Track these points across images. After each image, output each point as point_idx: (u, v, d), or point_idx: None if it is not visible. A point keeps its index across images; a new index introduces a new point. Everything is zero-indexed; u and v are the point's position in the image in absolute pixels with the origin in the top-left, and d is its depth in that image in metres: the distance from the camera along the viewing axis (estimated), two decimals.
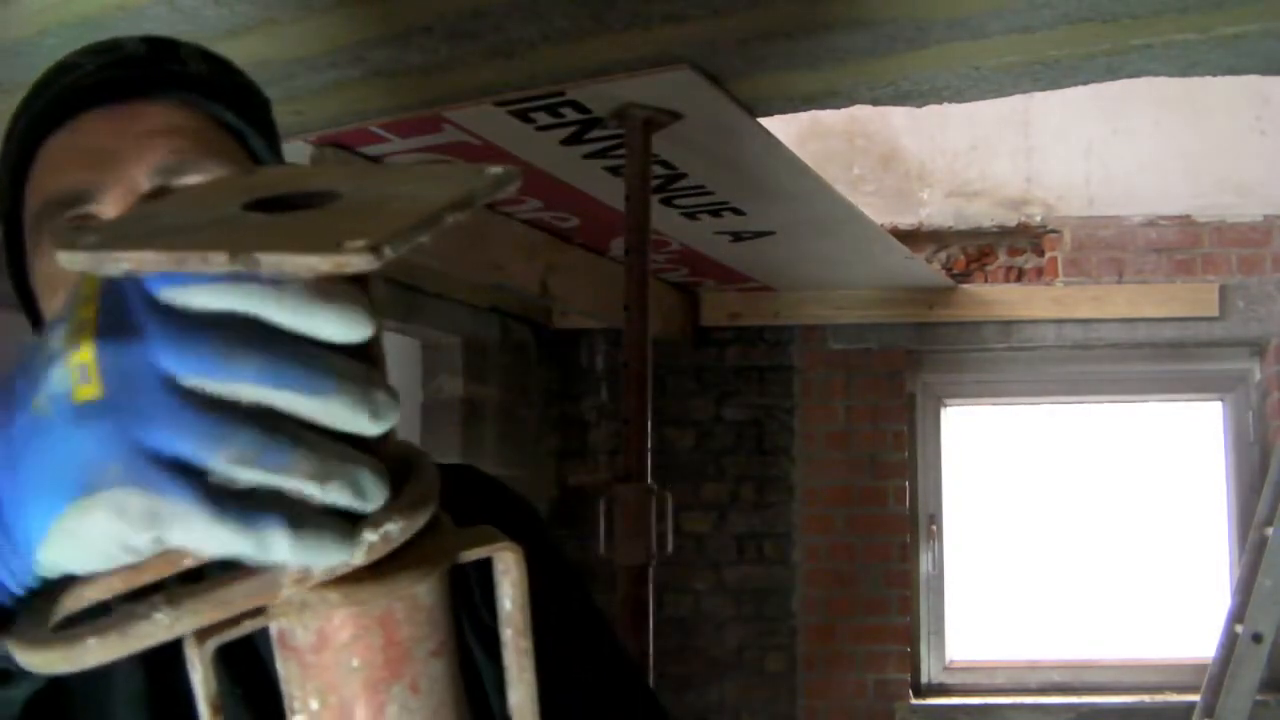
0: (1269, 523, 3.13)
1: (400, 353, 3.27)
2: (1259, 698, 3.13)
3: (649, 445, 2.10)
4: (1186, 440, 3.80)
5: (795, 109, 1.91)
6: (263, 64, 1.54)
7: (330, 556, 0.39)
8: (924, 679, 3.73)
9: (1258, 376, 3.67)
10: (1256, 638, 3.05)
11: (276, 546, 0.38)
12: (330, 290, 0.37)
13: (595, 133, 2.07)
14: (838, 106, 1.89)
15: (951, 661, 3.76)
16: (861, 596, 3.66)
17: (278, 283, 0.37)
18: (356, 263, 0.35)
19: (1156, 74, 1.65)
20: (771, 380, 3.75)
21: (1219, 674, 3.12)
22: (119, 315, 0.39)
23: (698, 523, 3.69)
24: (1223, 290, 3.57)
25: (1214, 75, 1.65)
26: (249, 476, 0.37)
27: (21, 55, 1.46)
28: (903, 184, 3.71)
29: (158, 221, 0.40)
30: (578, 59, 1.63)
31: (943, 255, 3.75)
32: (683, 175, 2.38)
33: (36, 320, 0.85)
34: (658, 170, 2.26)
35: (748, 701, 3.67)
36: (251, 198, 0.40)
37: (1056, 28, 1.50)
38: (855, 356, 3.72)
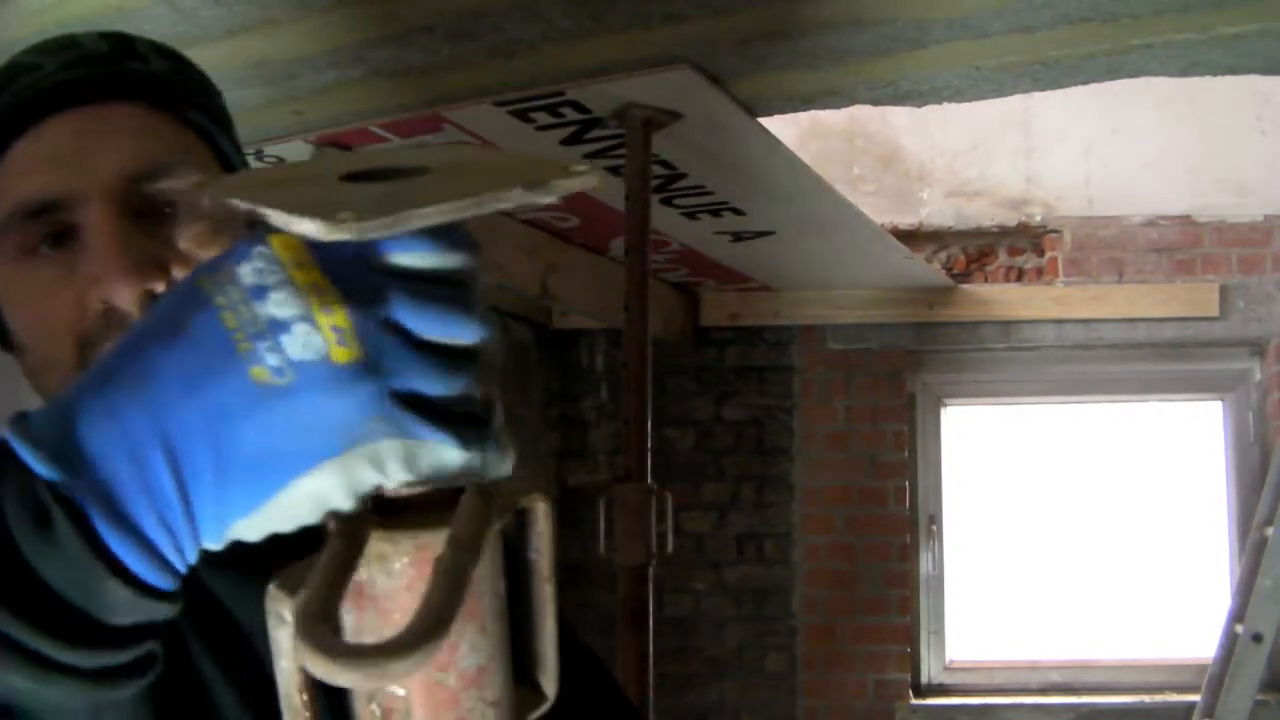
0: (1269, 523, 3.13)
1: None
2: (1259, 698, 3.13)
3: (649, 445, 2.10)
4: (1186, 440, 3.80)
5: (795, 109, 1.91)
6: (263, 64, 1.54)
7: (504, 468, 0.46)
8: (924, 679, 3.73)
9: (1258, 376, 3.67)
10: (1256, 638, 3.05)
11: (490, 461, 0.44)
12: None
13: (595, 133, 2.07)
14: (838, 106, 1.89)
15: (951, 661, 3.76)
16: (861, 596, 3.66)
17: (467, 245, 0.46)
18: (308, 228, 0.40)
19: (1156, 74, 1.65)
20: (771, 380, 3.75)
21: (1219, 674, 3.12)
22: (353, 279, 0.43)
23: (698, 523, 3.69)
24: (1223, 290, 3.57)
25: (1214, 75, 1.65)
26: (466, 407, 0.44)
27: None
28: (903, 184, 3.71)
29: (257, 177, 0.46)
30: (578, 59, 1.63)
31: (943, 255, 3.75)
32: (683, 175, 2.38)
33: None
34: (658, 170, 2.26)
35: (748, 701, 3.66)
36: (345, 170, 0.45)
37: (1056, 28, 1.50)
38: (855, 356, 3.72)
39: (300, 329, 0.41)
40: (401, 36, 1.51)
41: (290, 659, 0.44)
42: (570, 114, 1.94)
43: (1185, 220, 3.61)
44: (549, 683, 0.54)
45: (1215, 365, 3.69)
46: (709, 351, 3.78)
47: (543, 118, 1.95)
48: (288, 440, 0.41)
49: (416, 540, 0.46)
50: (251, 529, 0.43)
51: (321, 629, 0.39)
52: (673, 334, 3.60)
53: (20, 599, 0.44)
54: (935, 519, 3.79)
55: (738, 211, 2.68)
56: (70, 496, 0.43)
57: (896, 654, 3.64)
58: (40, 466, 0.44)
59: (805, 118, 3.36)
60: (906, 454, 3.72)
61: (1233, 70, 1.63)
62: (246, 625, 0.78)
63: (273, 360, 0.41)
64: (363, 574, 0.45)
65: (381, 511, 0.46)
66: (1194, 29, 1.48)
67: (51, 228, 0.76)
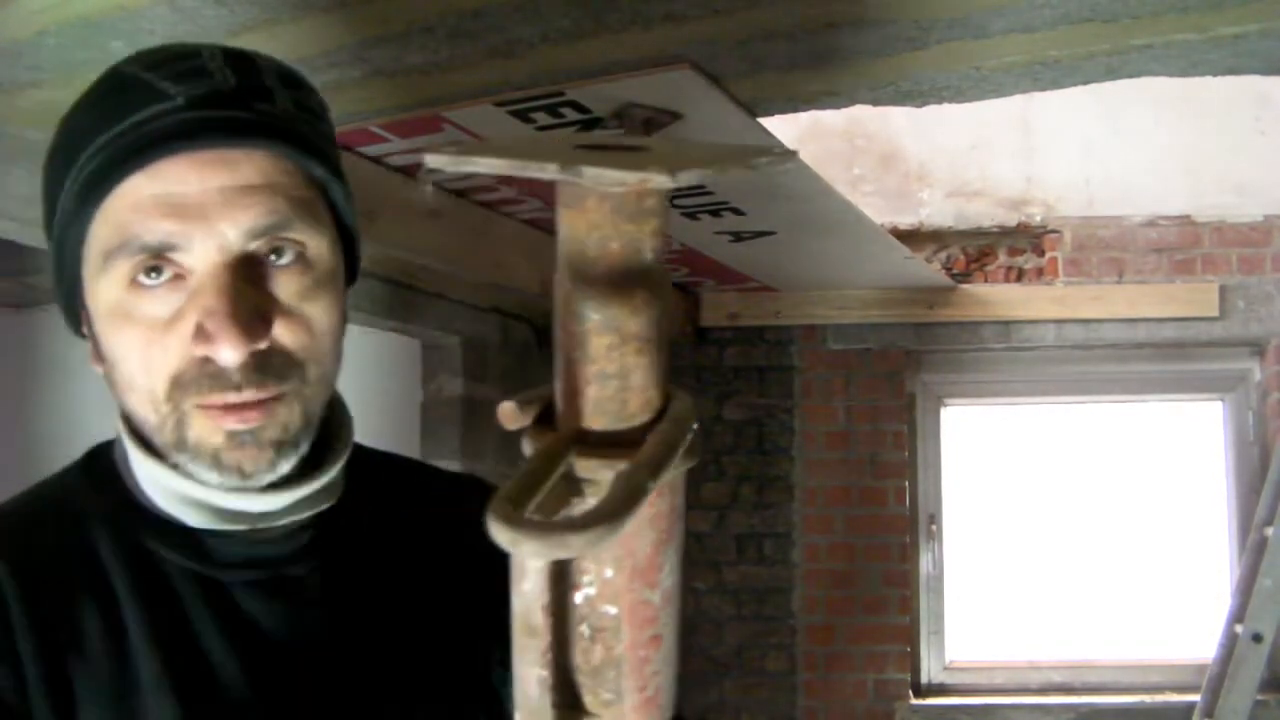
0: (1269, 523, 3.13)
1: (399, 353, 3.27)
2: (1259, 698, 3.13)
3: None
4: (1186, 440, 3.80)
5: (795, 109, 1.90)
6: None
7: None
8: (924, 679, 3.73)
9: (1258, 376, 3.67)
10: (1256, 638, 3.05)
11: None
12: None
13: (595, 132, 2.07)
14: (838, 106, 1.89)
15: (951, 661, 3.76)
16: (861, 596, 3.66)
17: None
18: (658, 180, 0.46)
19: (1156, 74, 1.65)
20: (771, 380, 3.75)
21: (1219, 674, 3.12)
22: None
23: (698, 522, 3.69)
24: (1223, 290, 3.57)
25: (1214, 75, 1.65)
26: None
27: (21, 55, 1.46)
28: (903, 184, 3.71)
29: (500, 145, 0.52)
30: (578, 59, 1.63)
31: (943, 255, 3.75)
32: None
33: (78, 329, 0.86)
34: None
35: (748, 701, 3.67)
36: (578, 143, 0.51)
37: (1056, 28, 1.50)
38: (855, 356, 3.72)
39: None
40: (401, 36, 1.51)
41: (531, 581, 0.50)
42: (570, 114, 1.94)
43: (1185, 220, 3.61)
44: None
45: (1215, 365, 3.69)
46: (709, 351, 3.78)
47: (543, 118, 1.95)
48: None
49: (609, 464, 0.50)
50: None
51: (513, 511, 0.44)
52: (673, 334, 3.60)
53: None
54: (935, 519, 3.79)
55: (738, 211, 2.68)
56: None
57: (896, 654, 3.64)
58: None
59: (805, 118, 3.36)
60: (906, 454, 3.72)
61: (1233, 70, 1.63)
62: (275, 637, 0.83)
63: None
64: (559, 491, 0.50)
65: (580, 442, 0.51)
66: (1194, 29, 1.48)
67: (160, 263, 0.76)
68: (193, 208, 0.75)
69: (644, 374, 0.53)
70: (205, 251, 0.76)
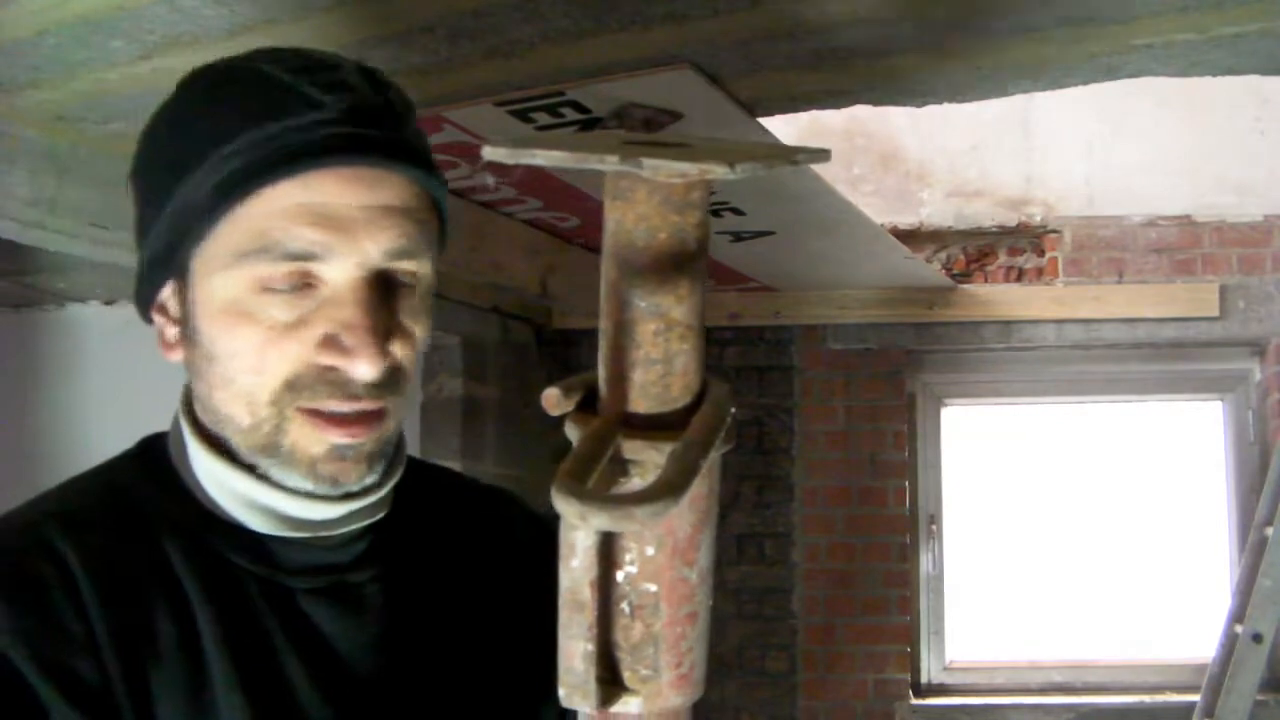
0: (1269, 523, 3.13)
1: None
2: (1259, 698, 3.13)
3: None
4: (1186, 440, 3.80)
5: (795, 109, 1.90)
6: None
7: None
8: (924, 679, 3.73)
9: (1258, 376, 3.67)
10: (1256, 638, 3.05)
11: None
12: None
13: (634, 134, 2.06)
14: (838, 106, 1.89)
15: (951, 661, 3.76)
16: (861, 596, 3.66)
17: None
18: (718, 171, 0.48)
19: (1156, 74, 1.65)
20: (771, 380, 3.75)
21: (1219, 674, 3.12)
22: None
23: None
24: (1223, 290, 3.57)
25: (1214, 75, 1.65)
26: None
27: (21, 55, 1.46)
28: (903, 184, 3.71)
29: (556, 138, 0.55)
30: (578, 59, 1.63)
31: (943, 255, 3.75)
32: None
33: (147, 313, 0.87)
34: None
35: (748, 701, 3.66)
36: (626, 139, 0.54)
37: (1057, 28, 1.50)
38: (855, 356, 3.72)
39: None
40: (401, 36, 1.51)
41: (580, 557, 0.53)
42: (570, 114, 1.94)
43: (1185, 220, 3.61)
44: None
45: (1215, 365, 3.69)
46: (709, 351, 3.76)
47: (543, 118, 1.95)
48: None
49: (655, 445, 0.53)
50: None
51: (579, 485, 0.47)
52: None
53: None
54: (935, 519, 3.79)
55: (737, 211, 2.68)
56: None
57: (896, 654, 3.64)
58: None
59: (805, 118, 3.36)
60: (906, 454, 3.72)
61: (1233, 70, 1.63)
62: (338, 642, 0.85)
63: None
64: (606, 472, 0.53)
65: (626, 425, 0.54)
66: (1194, 29, 1.48)
67: (295, 271, 0.78)
68: (339, 221, 0.77)
69: (687, 359, 0.56)
70: (345, 266, 0.78)
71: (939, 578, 3.77)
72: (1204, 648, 3.32)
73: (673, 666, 0.56)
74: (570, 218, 2.77)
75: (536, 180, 2.38)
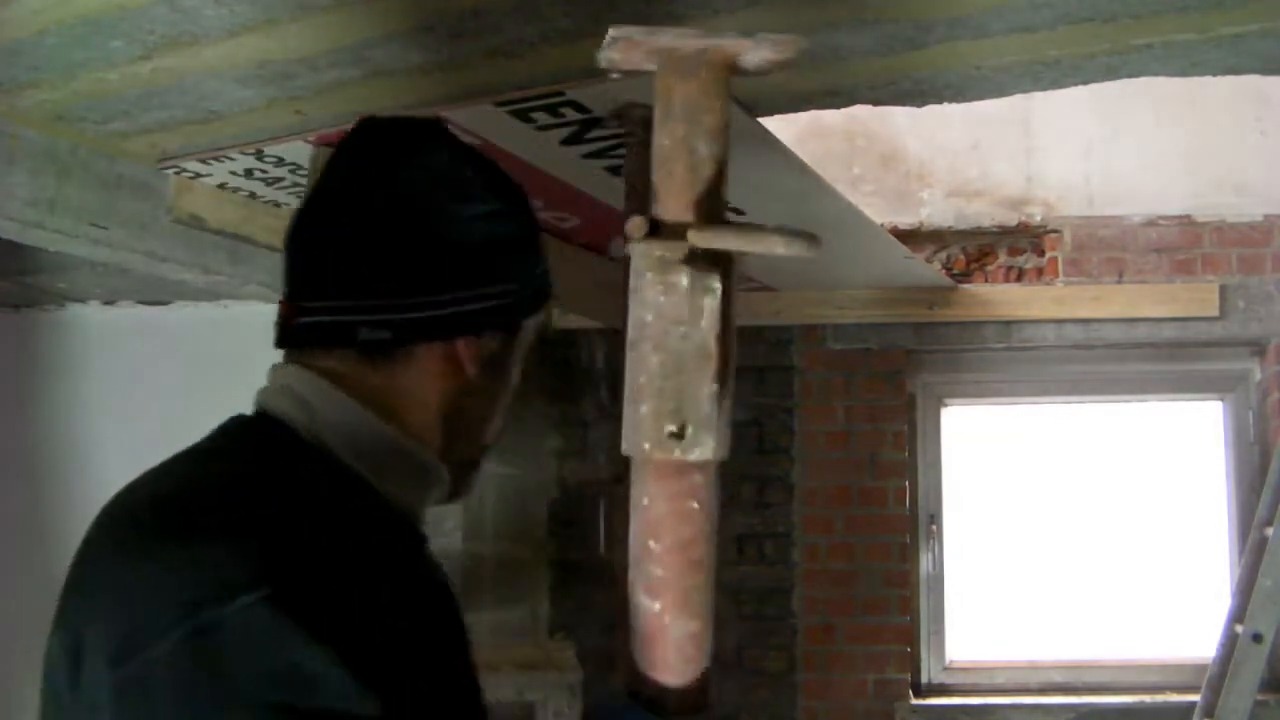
0: (1269, 523, 3.13)
1: None
2: (1259, 698, 3.13)
3: None
4: (1186, 440, 3.80)
5: (795, 109, 1.90)
6: (263, 64, 1.54)
7: None
8: (924, 679, 3.73)
9: (1258, 376, 3.67)
10: (1256, 638, 3.05)
11: None
12: None
13: (595, 132, 2.06)
14: (838, 106, 1.89)
15: (951, 661, 3.76)
16: (861, 596, 3.66)
17: None
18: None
19: (1156, 74, 1.65)
20: (771, 380, 3.75)
21: (1219, 674, 3.12)
22: None
23: None
24: (1223, 290, 3.57)
25: (1214, 75, 1.65)
26: None
27: (21, 55, 1.46)
28: (903, 184, 3.71)
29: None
30: (578, 59, 1.63)
31: (943, 255, 3.75)
32: None
33: (417, 339, 1.12)
34: None
35: (748, 701, 3.66)
36: None
37: (1056, 28, 1.50)
38: (855, 356, 3.72)
39: None
40: (401, 36, 1.51)
41: (708, 317, 0.73)
42: (570, 114, 1.94)
43: (1185, 220, 3.61)
44: None
45: (1215, 365, 3.70)
46: None
47: (543, 118, 1.95)
48: None
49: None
50: None
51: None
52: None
53: None
54: (935, 519, 3.79)
55: (738, 211, 2.68)
56: None
57: (896, 654, 3.64)
58: None
59: (805, 118, 3.36)
60: (906, 454, 3.72)
61: (1233, 70, 1.63)
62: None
63: None
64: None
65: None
66: (1194, 29, 1.48)
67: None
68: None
69: None
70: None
71: (939, 578, 3.77)
72: (1204, 648, 3.32)
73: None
74: (570, 218, 2.77)
75: (537, 180, 2.38)
